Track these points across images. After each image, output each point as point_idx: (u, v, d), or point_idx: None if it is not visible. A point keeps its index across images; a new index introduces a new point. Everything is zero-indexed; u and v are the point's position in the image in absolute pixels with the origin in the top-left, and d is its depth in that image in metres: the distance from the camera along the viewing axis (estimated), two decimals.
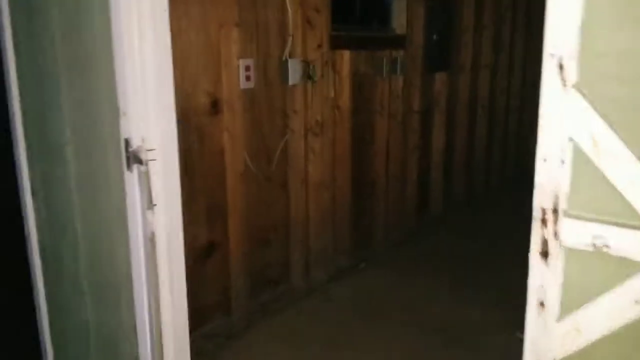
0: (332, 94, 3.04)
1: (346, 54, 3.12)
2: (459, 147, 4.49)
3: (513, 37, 5.12)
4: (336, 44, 3.03)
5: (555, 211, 0.99)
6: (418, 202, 4.01)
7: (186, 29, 2.29)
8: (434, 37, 3.87)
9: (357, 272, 3.37)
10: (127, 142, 1.55)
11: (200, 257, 2.48)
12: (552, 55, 1.00)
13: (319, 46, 2.91)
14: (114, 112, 1.55)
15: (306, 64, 2.85)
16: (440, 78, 4.06)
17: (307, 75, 2.86)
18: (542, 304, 1.02)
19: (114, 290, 1.69)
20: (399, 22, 3.58)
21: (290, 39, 2.76)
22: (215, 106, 2.46)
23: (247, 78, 2.60)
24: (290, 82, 2.78)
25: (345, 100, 3.16)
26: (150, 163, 1.60)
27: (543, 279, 1.01)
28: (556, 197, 0.99)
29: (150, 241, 1.54)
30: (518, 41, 5.23)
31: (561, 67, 0.97)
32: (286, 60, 2.76)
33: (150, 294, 1.56)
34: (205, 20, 2.37)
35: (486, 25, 4.57)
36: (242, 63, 2.56)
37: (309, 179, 2.99)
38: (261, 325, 2.75)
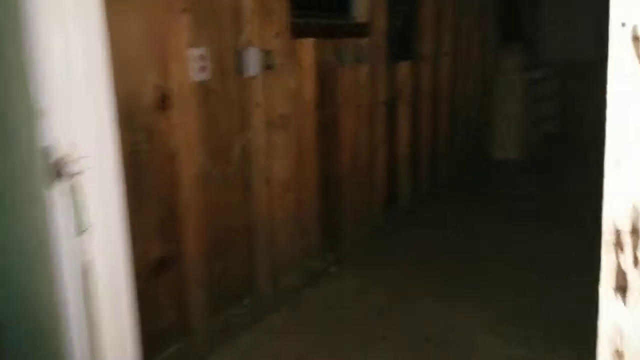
0: (294, 86, 2.70)
1: (308, 43, 2.78)
2: (423, 138, 4.22)
3: (470, 24, 4.88)
4: (297, 31, 2.68)
5: (635, 232, 0.69)
6: (386, 196, 3.72)
7: (125, 12, 1.90)
8: (397, 24, 3.57)
9: (329, 275, 3.05)
10: (48, 150, 1.18)
11: (153, 274, 2.11)
12: (623, 24, 0.69)
13: (279, 34, 2.56)
14: (30, 113, 1.17)
15: (265, 53, 2.50)
16: (403, 67, 3.77)
17: (267, 65, 2.51)
18: (618, 354, 0.72)
19: (38, 340, 1.31)
20: (360, 9, 3.26)
21: (247, 26, 2.40)
22: (164, 101, 2.08)
23: (201, 69, 2.24)
24: (249, 73, 2.43)
25: (308, 91, 2.82)
26: (83, 174, 1.23)
27: (619, 323, 0.72)
28: (637, 213, 0.68)
29: (84, 274, 1.18)
30: (474, 28, 4.99)
31: (637, 39, 0.67)
32: (243, 50, 2.40)
33: (86, 341, 1.20)
34: (149, 6, 1.99)
35: (445, 13, 4.31)
36: (194, 52, 2.20)
37: (273, 177, 2.64)
38: (226, 346, 2.38)
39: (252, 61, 2.43)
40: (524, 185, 4.89)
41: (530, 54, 5.80)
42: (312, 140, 2.89)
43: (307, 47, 2.77)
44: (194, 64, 2.20)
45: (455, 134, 4.80)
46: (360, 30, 3.22)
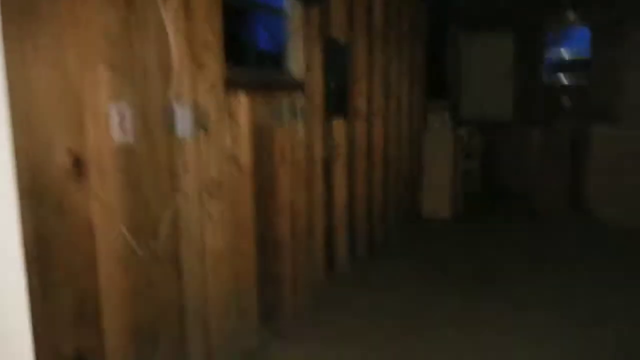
0: (229, 146, 2.42)
1: (244, 98, 2.53)
2: (359, 198, 4.04)
3: (400, 83, 4.85)
4: (232, 86, 2.43)
5: None
6: (325, 260, 3.46)
7: (31, 62, 1.57)
8: (332, 82, 3.42)
9: (268, 353, 2.70)
10: None
11: None
12: None
13: (212, 88, 2.29)
14: None
15: (197, 109, 2.21)
16: (339, 125, 3.60)
17: (200, 124, 2.23)
18: None
19: None
20: (296, 64, 3.08)
21: (177, 78, 2.12)
22: (79, 167, 1.73)
23: (123, 129, 1.91)
24: (179, 134, 2.13)
25: (245, 152, 2.55)
26: None
27: None
28: None
29: None
30: (403, 88, 4.97)
31: None
32: (172, 107, 2.11)
33: None
34: (62, 55, 1.67)
35: (377, 73, 4.23)
36: (114, 110, 1.88)
37: (206, 250, 2.31)
38: None
39: (183, 118, 2.13)
40: (456, 245, 4.80)
41: (454, 112, 5.87)
42: (249, 206, 2.60)
43: (243, 102, 2.52)
44: (114, 123, 1.88)
45: (388, 194, 4.66)
46: (297, 86, 3.02)
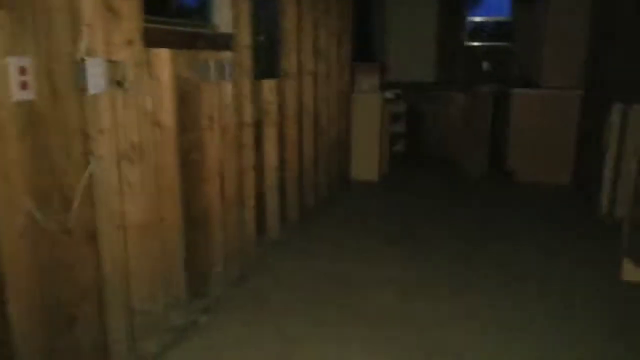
0: (150, 107, 2.16)
1: (165, 54, 2.26)
2: (290, 162, 3.87)
3: (329, 44, 4.67)
4: (152, 40, 2.15)
5: None
6: (257, 228, 3.29)
7: None
8: (260, 39, 3.18)
9: (199, 329, 2.52)
10: None
11: None
12: None
13: (129, 42, 2.01)
14: None
15: (113, 65, 1.94)
16: (269, 85, 3.38)
17: (116, 82, 1.96)
18: None
19: None
20: (222, 18, 2.81)
21: (88, 30, 1.83)
22: None
23: (23, 85, 1.63)
24: (91, 91, 1.86)
25: (167, 113, 2.30)
26: None
27: None
28: None
29: None
30: (332, 49, 4.79)
31: None
32: (83, 61, 1.83)
33: None
34: None
35: (306, 30, 4.02)
36: (13, 63, 1.59)
37: (127, 221, 2.07)
38: None
39: (96, 75, 1.86)
40: (385, 207, 4.78)
41: (381, 75, 5.78)
42: (174, 172, 2.36)
43: (165, 58, 2.26)
44: (13, 79, 1.59)
45: (319, 157, 4.53)
46: (224, 42, 2.77)
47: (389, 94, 5.83)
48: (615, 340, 2.46)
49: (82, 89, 1.83)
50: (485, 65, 7.00)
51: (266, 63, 3.27)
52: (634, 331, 2.56)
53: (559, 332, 2.52)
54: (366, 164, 5.50)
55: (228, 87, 2.81)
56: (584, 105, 5.27)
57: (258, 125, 3.30)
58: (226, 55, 2.78)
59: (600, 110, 4.53)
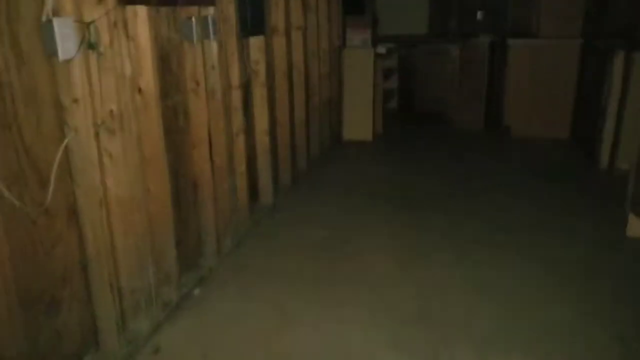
0: (129, 71, 1.99)
1: (142, 12, 2.07)
2: (282, 124, 3.71)
3: None
4: None
5: None
6: (249, 195, 3.16)
7: None
8: None
9: (192, 303, 2.43)
10: None
11: None
12: None
13: (101, 0, 1.82)
14: None
15: (84, 26, 1.76)
16: (256, 43, 3.19)
17: (88, 44, 1.78)
18: None
19: None
20: None
21: None
22: None
23: None
24: (62, 56, 1.68)
25: (148, 77, 2.12)
26: None
27: None
28: None
29: None
30: (321, 1, 4.55)
31: None
32: (50, 21, 1.65)
33: None
34: None
35: None
36: None
37: (109, 197, 1.93)
38: None
39: (66, 38, 1.68)
40: (379, 168, 4.66)
41: (373, 29, 5.55)
42: (158, 141, 2.21)
43: (142, 17, 2.06)
44: None
45: (310, 117, 4.37)
46: None
47: (381, 49, 5.61)
48: (620, 302, 2.40)
49: (51, 53, 1.66)
50: (480, 14, 6.75)
51: (252, 19, 3.07)
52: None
53: (560, 297, 2.45)
54: (359, 123, 5.34)
55: (213, 47, 2.62)
56: (584, 55, 5.10)
57: (246, 87, 3.13)
58: (209, 11, 2.58)
59: (601, 60, 4.37)
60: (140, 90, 2.09)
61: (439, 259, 2.82)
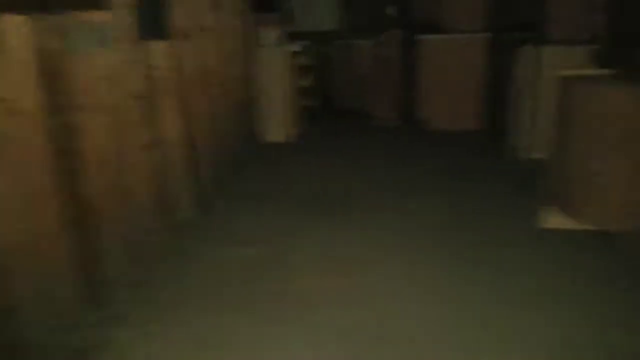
0: (3, 91, 1.66)
1: (18, 21, 1.74)
2: (195, 132, 3.42)
3: None
4: None
5: None
6: (163, 211, 2.86)
7: None
8: None
9: (104, 346, 2.12)
10: None
11: None
12: None
13: None
14: None
15: None
16: (159, 47, 2.89)
17: None
18: None
19: None
20: None
21: None
22: None
23: None
24: None
25: (28, 97, 1.80)
26: None
27: None
28: None
29: None
30: (230, 2, 4.27)
31: None
32: None
33: None
34: None
35: None
36: None
37: None
38: None
39: None
40: (298, 169, 4.46)
41: (286, 26, 5.34)
42: (44, 170, 1.89)
43: (18, 28, 1.74)
44: None
45: (227, 123, 4.10)
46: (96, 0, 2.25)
47: (295, 47, 5.42)
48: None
49: None
50: (389, 10, 6.71)
51: (152, 22, 2.77)
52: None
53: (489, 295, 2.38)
54: (276, 123, 5.13)
55: (108, 55, 2.31)
56: (492, 49, 5.16)
57: (151, 97, 2.82)
58: (103, 16, 2.27)
59: (509, 53, 4.42)
60: (17, 112, 1.76)
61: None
